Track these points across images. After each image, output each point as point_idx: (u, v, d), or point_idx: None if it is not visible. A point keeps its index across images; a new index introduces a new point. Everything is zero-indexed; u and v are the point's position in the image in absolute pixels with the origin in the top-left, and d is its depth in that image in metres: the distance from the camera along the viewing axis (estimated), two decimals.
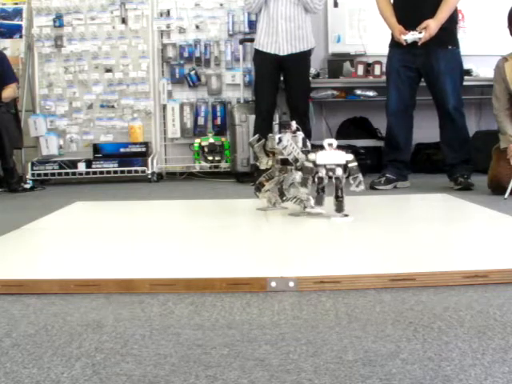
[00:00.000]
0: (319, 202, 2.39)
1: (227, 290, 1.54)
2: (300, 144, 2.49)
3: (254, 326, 1.28)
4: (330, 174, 2.35)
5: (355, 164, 2.38)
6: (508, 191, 3.13)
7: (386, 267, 1.66)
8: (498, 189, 3.27)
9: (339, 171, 2.35)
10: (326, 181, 2.36)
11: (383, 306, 1.39)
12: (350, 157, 2.38)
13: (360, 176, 2.38)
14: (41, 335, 1.25)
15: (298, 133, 2.52)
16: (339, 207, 2.39)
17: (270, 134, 2.60)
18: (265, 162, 2.67)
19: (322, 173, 2.35)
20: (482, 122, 5.27)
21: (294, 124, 2.53)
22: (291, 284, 1.53)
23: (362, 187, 2.39)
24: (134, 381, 1.02)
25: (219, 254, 1.89)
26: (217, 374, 1.03)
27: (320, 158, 2.35)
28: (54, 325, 1.31)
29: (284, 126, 2.54)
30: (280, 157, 2.53)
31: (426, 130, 4.49)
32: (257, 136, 2.72)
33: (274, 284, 1.53)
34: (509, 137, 3.34)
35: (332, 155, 2.36)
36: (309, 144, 2.57)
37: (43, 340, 1.22)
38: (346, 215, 2.40)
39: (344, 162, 2.36)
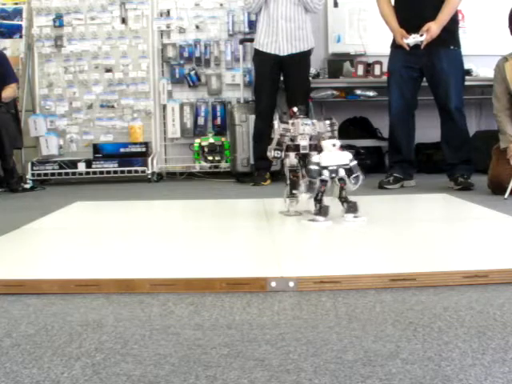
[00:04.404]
0: (325, 213, 2.31)
1: (227, 290, 1.54)
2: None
3: (254, 326, 1.28)
4: (333, 175, 2.30)
5: (355, 162, 2.34)
6: (508, 191, 3.13)
7: (386, 267, 1.66)
8: (498, 189, 3.27)
9: (342, 172, 2.30)
10: (329, 184, 2.30)
11: (383, 306, 1.39)
12: (350, 155, 2.34)
13: (360, 174, 2.35)
14: (41, 335, 1.25)
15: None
16: (354, 208, 2.34)
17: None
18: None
19: (326, 175, 2.29)
20: (482, 122, 5.27)
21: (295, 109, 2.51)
22: (291, 284, 1.53)
23: (358, 185, 2.34)
24: (134, 381, 1.02)
25: (219, 254, 1.89)
26: (217, 374, 1.03)
27: (325, 159, 2.29)
28: (54, 325, 1.31)
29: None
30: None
31: (426, 129, 4.50)
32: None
33: (274, 284, 1.53)
34: (509, 137, 3.34)
35: (336, 156, 2.31)
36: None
37: (43, 340, 1.22)
38: (358, 216, 2.34)
39: (348, 163, 2.32)
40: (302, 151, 2.47)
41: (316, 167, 2.28)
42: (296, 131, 2.46)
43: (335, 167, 2.30)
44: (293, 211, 2.54)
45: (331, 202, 2.36)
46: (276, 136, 2.52)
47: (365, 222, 2.32)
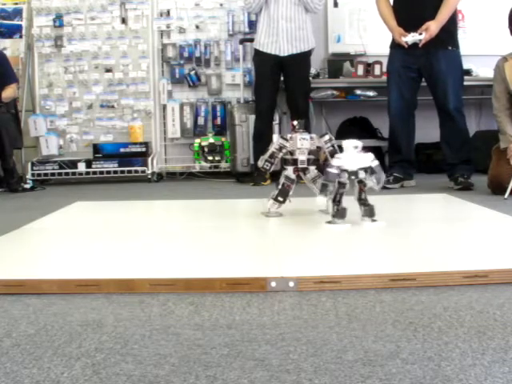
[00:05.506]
0: (342, 215, 2.25)
1: (227, 290, 1.54)
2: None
3: (253, 326, 1.28)
4: (352, 177, 2.22)
5: (377, 163, 2.25)
6: (508, 191, 3.13)
7: (386, 267, 1.66)
8: (498, 189, 3.27)
9: (362, 174, 2.24)
10: (347, 187, 2.24)
11: (383, 306, 1.39)
12: (372, 156, 2.26)
13: (383, 175, 2.28)
14: (41, 335, 1.25)
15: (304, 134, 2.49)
16: (370, 212, 2.28)
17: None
18: None
19: (345, 177, 2.21)
20: (482, 122, 5.27)
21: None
22: (291, 284, 1.53)
23: (381, 185, 2.28)
24: (134, 381, 1.02)
25: (219, 254, 1.89)
26: (217, 374, 1.03)
27: (345, 162, 2.21)
28: (54, 325, 1.31)
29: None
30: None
31: (425, 130, 4.50)
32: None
33: (274, 284, 1.53)
34: (509, 137, 3.34)
35: (358, 158, 2.23)
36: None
37: (43, 340, 1.22)
38: (375, 220, 2.29)
39: (369, 164, 2.23)
40: (300, 166, 2.50)
41: (334, 171, 2.20)
42: (294, 146, 2.48)
43: (355, 169, 2.22)
44: (273, 212, 2.55)
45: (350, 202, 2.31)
46: (271, 149, 2.54)
47: (382, 225, 2.27)
